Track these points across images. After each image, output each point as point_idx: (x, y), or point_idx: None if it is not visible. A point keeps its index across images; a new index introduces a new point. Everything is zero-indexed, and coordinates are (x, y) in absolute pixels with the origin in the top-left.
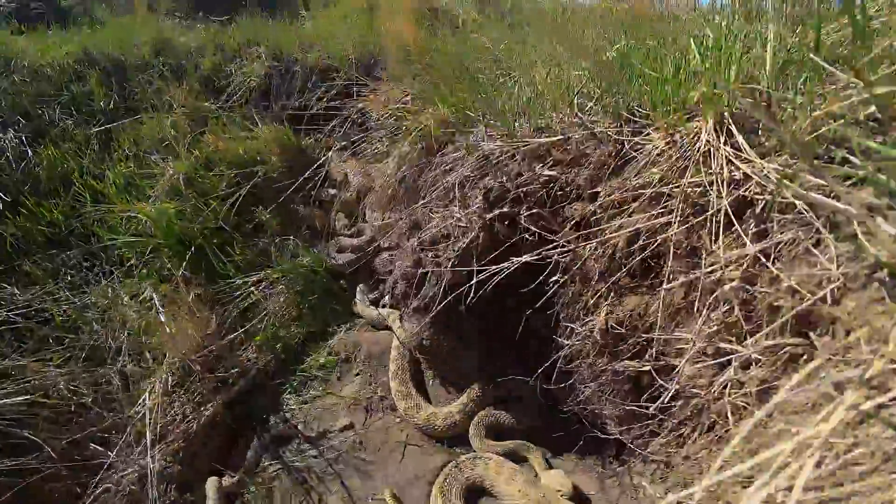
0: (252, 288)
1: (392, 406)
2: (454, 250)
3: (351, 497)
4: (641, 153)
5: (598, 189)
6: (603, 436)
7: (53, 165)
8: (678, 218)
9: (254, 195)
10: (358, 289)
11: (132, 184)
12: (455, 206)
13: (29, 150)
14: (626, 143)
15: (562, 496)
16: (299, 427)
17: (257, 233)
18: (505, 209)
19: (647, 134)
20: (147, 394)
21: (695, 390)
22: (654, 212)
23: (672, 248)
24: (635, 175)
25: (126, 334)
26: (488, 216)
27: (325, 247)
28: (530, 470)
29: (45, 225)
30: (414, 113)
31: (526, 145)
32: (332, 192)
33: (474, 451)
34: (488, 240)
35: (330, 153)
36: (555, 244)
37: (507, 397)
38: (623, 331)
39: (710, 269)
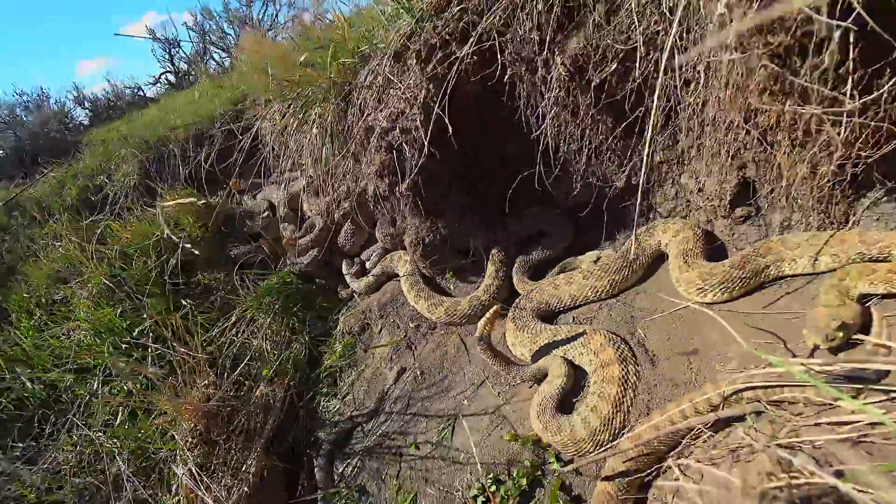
0: (232, 333)
1: (431, 326)
2: (418, 111)
3: (447, 416)
4: None
5: None
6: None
7: None
8: None
9: (188, 262)
10: (343, 271)
11: (46, 328)
12: (393, 89)
13: None
14: None
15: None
16: (353, 415)
17: (209, 293)
18: (439, 55)
19: None
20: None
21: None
22: None
23: None
24: None
25: (124, 459)
26: (429, 67)
27: (285, 260)
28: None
29: None
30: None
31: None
32: (264, 214)
33: None
34: (437, 91)
35: (244, 196)
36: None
37: (528, 237)
38: (580, 64)
39: None
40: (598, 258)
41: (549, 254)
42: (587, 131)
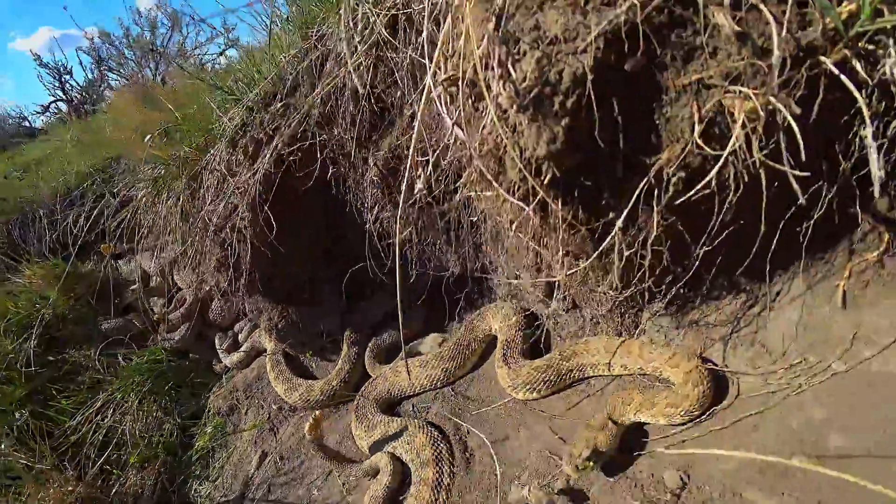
0: (97, 417)
1: (292, 408)
2: (247, 210)
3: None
4: None
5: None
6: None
7: None
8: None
9: (52, 338)
10: (217, 345)
11: None
12: (228, 181)
13: None
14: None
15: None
16: (221, 501)
17: (76, 373)
18: (265, 152)
19: None
20: None
21: None
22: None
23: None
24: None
25: None
26: (256, 163)
27: (156, 336)
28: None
29: None
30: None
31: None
32: (134, 287)
33: None
34: (266, 187)
35: (120, 262)
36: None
37: (383, 318)
38: (392, 165)
39: None
40: (444, 340)
41: (397, 338)
42: (412, 226)
